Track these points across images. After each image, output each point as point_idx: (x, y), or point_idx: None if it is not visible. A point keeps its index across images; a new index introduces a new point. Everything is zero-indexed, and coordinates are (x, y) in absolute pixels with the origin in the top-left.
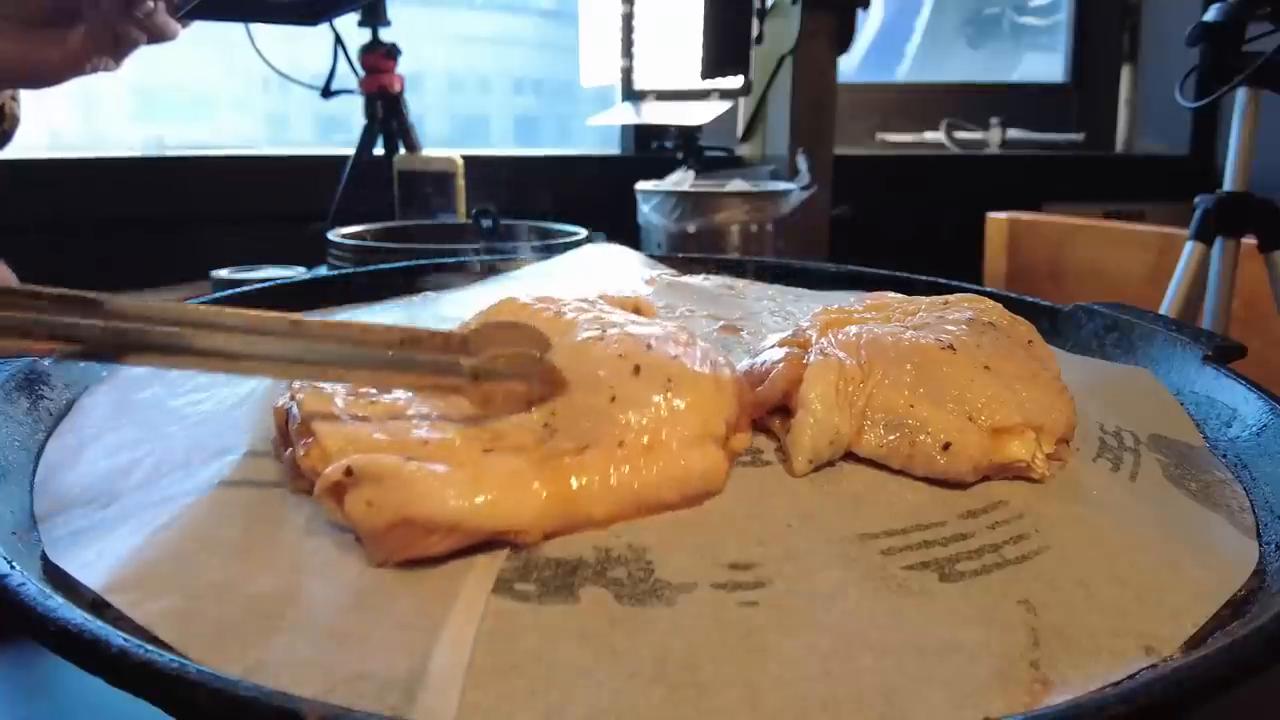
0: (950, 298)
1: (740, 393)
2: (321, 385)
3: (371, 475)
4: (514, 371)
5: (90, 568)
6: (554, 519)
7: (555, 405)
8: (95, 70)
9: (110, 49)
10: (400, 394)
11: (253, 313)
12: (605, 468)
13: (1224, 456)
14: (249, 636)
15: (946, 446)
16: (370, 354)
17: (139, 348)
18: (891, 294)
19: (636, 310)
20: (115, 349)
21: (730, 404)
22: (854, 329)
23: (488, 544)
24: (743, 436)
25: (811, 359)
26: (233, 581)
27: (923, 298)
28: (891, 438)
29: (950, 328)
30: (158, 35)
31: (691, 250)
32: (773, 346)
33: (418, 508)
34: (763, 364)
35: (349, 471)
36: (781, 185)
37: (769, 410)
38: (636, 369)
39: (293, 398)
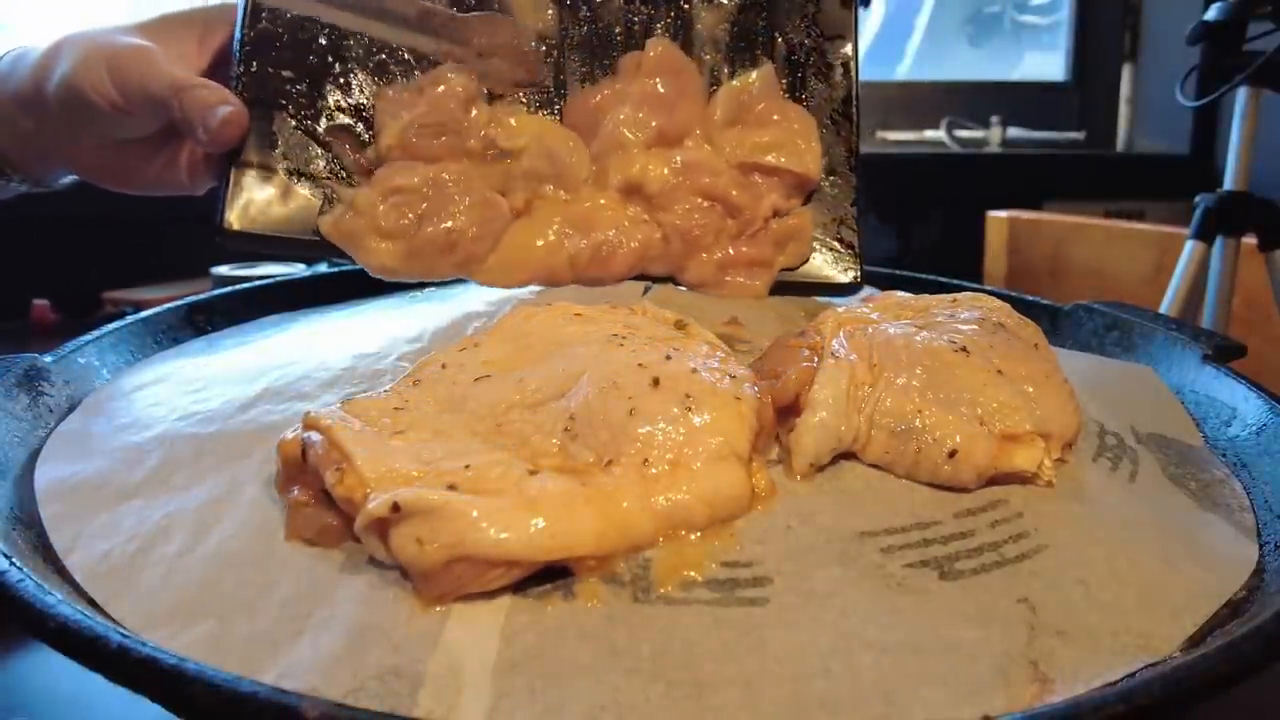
0: (959, 296)
1: (761, 410)
2: (346, 409)
3: (421, 510)
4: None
5: (121, 598)
6: (609, 543)
7: (574, 410)
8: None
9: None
10: (421, 409)
11: None
12: (644, 489)
13: (1223, 456)
14: (281, 643)
15: (952, 454)
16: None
17: None
18: (899, 293)
19: (678, 327)
20: None
21: (752, 422)
22: (867, 329)
23: None
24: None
25: (823, 361)
26: (259, 593)
27: (930, 295)
28: (897, 446)
29: (962, 328)
30: None
31: None
32: (784, 347)
33: (476, 544)
34: (773, 365)
35: (395, 508)
36: None
37: (778, 410)
38: (655, 381)
39: (308, 428)
